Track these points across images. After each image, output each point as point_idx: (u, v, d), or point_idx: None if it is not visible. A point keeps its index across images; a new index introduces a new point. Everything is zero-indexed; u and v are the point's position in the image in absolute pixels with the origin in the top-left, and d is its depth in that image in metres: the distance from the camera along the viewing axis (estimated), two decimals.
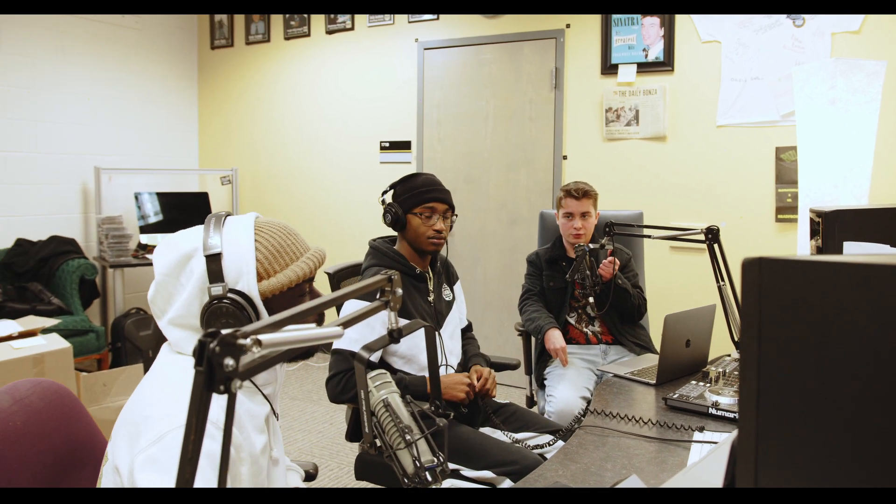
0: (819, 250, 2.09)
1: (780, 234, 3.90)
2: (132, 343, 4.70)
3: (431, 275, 2.45)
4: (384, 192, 2.48)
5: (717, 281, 2.49)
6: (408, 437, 1.17)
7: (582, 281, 2.83)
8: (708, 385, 2.13)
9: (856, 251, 1.89)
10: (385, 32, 5.12)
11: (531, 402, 3.11)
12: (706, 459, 1.06)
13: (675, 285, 4.12)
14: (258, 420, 1.25)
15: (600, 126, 4.36)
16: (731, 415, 1.93)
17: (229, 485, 1.12)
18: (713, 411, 1.96)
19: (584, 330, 3.08)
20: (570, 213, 2.97)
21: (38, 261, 4.64)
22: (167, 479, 1.05)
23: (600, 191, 4.34)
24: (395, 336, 1.13)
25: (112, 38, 5.37)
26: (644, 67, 4.19)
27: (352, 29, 5.25)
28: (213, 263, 1.19)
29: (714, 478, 0.98)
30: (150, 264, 4.75)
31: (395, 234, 2.49)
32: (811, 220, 2.19)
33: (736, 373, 2.23)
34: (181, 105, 5.98)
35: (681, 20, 4.07)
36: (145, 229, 5.18)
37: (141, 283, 5.66)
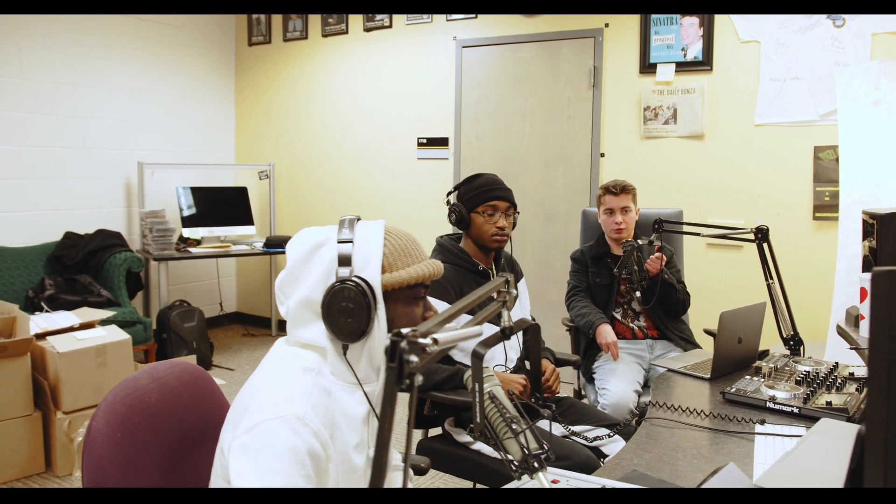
0: (872, 251, 2.16)
1: (818, 232, 3.95)
2: (177, 334, 4.83)
3: (495, 271, 2.55)
4: (449, 193, 2.59)
5: (767, 279, 2.57)
6: (514, 426, 1.26)
7: (629, 276, 2.92)
8: (763, 380, 2.21)
9: None
10: (423, 30, 5.20)
11: (579, 395, 3.20)
12: (800, 449, 1.14)
13: (710, 282, 4.19)
14: (354, 419, 1.31)
15: (638, 124, 4.43)
16: (789, 408, 2.01)
17: (317, 482, 1.20)
18: (770, 405, 2.04)
19: (631, 325, 3.17)
20: (610, 210, 3.08)
21: (87, 253, 4.78)
22: (253, 464, 1.15)
23: (637, 189, 4.42)
24: (507, 333, 1.23)
25: (154, 36, 5.49)
26: (682, 67, 4.25)
27: (390, 27, 5.34)
28: (345, 250, 1.29)
29: (813, 466, 1.06)
30: (193, 257, 4.92)
31: (461, 231, 2.59)
32: (864, 221, 2.26)
33: (787, 368, 2.32)
34: (219, 101, 6.10)
35: (720, 20, 4.13)
36: (187, 223, 5.30)
37: (184, 275, 5.80)
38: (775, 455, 1.67)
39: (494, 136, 4.95)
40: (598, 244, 3.23)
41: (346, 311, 1.26)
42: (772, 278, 2.56)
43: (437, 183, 5.19)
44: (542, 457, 1.24)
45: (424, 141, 5.23)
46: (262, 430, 1.16)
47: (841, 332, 2.18)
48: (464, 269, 2.47)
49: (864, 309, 2.02)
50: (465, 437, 2.36)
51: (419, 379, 0.78)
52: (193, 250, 5.13)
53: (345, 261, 1.29)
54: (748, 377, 2.27)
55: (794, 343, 2.54)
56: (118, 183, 5.31)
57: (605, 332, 2.95)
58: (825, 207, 3.93)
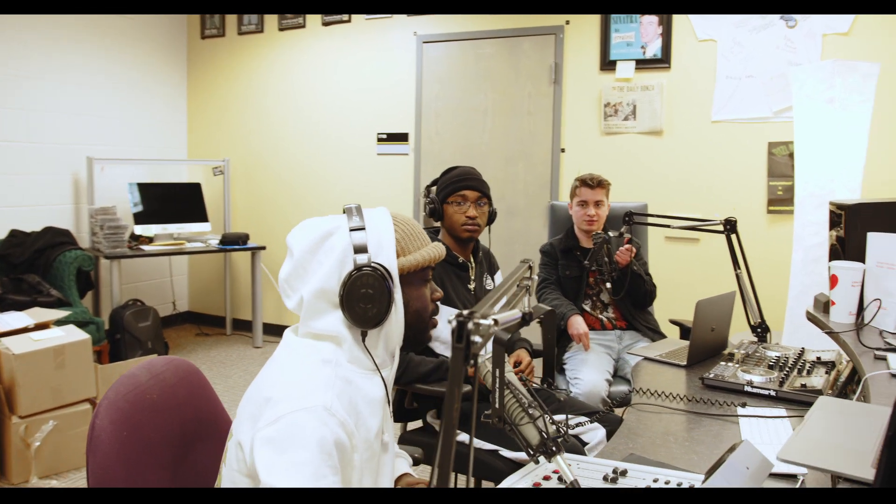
0: (840, 240, 2.25)
1: (772, 224, 4.09)
2: (131, 334, 4.69)
3: (473, 264, 2.56)
4: (428, 187, 2.59)
5: (735, 269, 2.65)
6: (531, 411, 1.27)
7: (600, 268, 2.97)
8: (738, 366, 2.28)
9: (880, 241, 2.05)
10: (383, 25, 5.17)
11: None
12: (809, 425, 1.18)
13: (669, 274, 4.29)
14: (375, 404, 1.31)
15: (598, 120, 4.50)
16: (766, 392, 2.08)
17: (342, 473, 1.19)
18: (748, 389, 2.10)
19: (600, 316, 3.22)
20: (584, 202, 3.13)
21: (34, 252, 4.59)
22: (281, 457, 1.13)
23: None
24: (527, 318, 1.23)
25: (103, 27, 5.31)
26: (642, 64, 4.34)
27: (348, 21, 5.29)
28: (359, 237, 1.28)
29: (827, 439, 1.10)
30: (147, 255, 4.77)
31: (438, 226, 2.60)
32: (831, 212, 2.36)
33: (757, 354, 2.40)
34: (171, 95, 5.94)
35: (678, 19, 4.23)
36: (139, 220, 5.15)
37: (137, 273, 5.64)
38: (761, 435, 1.73)
39: (455, 132, 4.96)
40: (567, 237, 3.27)
41: (366, 297, 1.25)
42: (739, 268, 2.64)
43: (397, 178, 5.17)
44: (560, 440, 1.25)
45: (384, 136, 5.20)
46: (289, 422, 1.14)
47: (812, 319, 2.26)
48: (443, 261, 2.47)
49: (835, 295, 2.11)
50: None
51: (483, 358, 0.78)
52: (147, 248, 4.98)
53: (360, 248, 1.27)
54: (723, 363, 2.34)
55: (761, 330, 2.63)
56: (66, 179, 5.12)
57: (577, 324, 2.99)
58: (778, 201, 4.07)
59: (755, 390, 2.10)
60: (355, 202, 1.40)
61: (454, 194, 2.48)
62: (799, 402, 2.00)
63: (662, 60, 4.28)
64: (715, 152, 4.21)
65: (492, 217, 2.62)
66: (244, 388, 4.61)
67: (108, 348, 4.61)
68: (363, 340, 1.29)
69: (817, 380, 2.08)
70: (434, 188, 2.59)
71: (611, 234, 2.82)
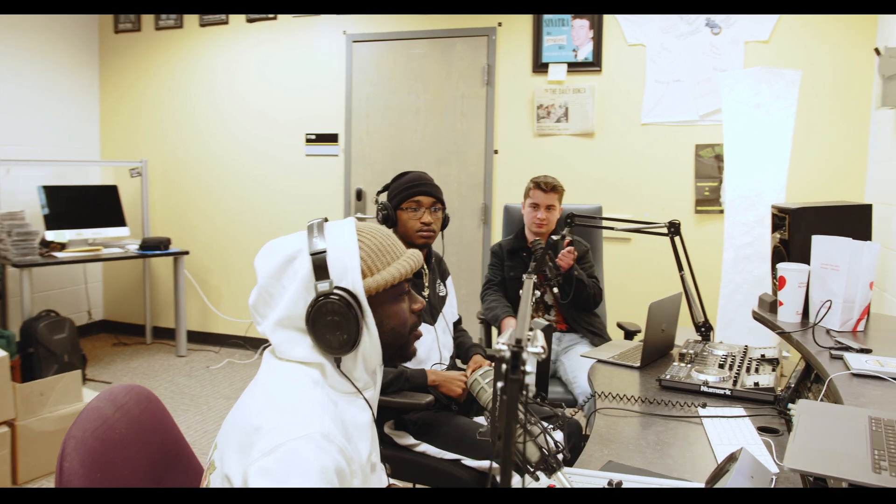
0: (783, 242, 2.34)
1: (700, 224, 4.24)
2: (46, 348, 4.39)
3: (427, 270, 2.52)
4: (379, 193, 2.54)
5: (679, 270, 2.72)
6: (530, 427, 1.24)
7: (544, 273, 2.98)
8: (690, 366, 2.33)
9: (824, 244, 2.14)
10: (311, 23, 5.04)
11: None
12: (802, 430, 1.20)
13: (606, 274, 4.38)
14: (363, 429, 1.27)
15: (531, 122, 4.54)
16: (722, 391, 2.13)
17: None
18: (704, 389, 2.15)
19: (539, 319, 3.24)
20: (536, 204, 3.14)
21: None
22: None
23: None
24: (553, 328, 1.21)
25: (5, 20, 4.95)
26: (574, 67, 4.40)
27: (274, 18, 5.13)
28: (319, 261, 1.21)
29: (824, 445, 1.12)
30: (61, 262, 4.48)
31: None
32: (774, 215, 2.45)
33: (705, 352, 2.46)
34: (81, 93, 5.60)
35: (608, 24, 4.32)
36: (50, 225, 4.83)
37: (50, 282, 5.30)
38: (727, 436, 1.78)
39: (386, 133, 4.89)
40: (516, 238, 3.28)
41: (332, 325, 1.20)
42: (683, 269, 2.71)
43: (327, 180, 5.07)
44: (560, 457, 1.24)
45: (313, 137, 5.08)
46: (286, 451, 1.07)
47: (759, 319, 2.34)
48: None
49: (783, 296, 2.18)
50: (407, 440, 2.31)
51: (533, 389, 0.75)
52: (60, 255, 4.68)
53: (322, 273, 1.21)
54: (675, 364, 2.39)
55: (705, 329, 2.71)
56: None
57: (509, 326, 3.01)
58: (706, 202, 4.22)
59: (711, 390, 2.15)
60: (320, 216, 1.34)
61: (408, 200, 2.43)
62: (753, 400, 2.06)
63: (594, 64, 4.36)
64: (645, 154, 4.32)
65: (445, 222, 2.59)
66: (171, 400, 4.37)
67: (19, 363, 4.30)
68: (339, 366, 1.24)
69: (766, 378, 2.15)
70: (384, 194, 2.54)
71: (553, 237, 2.83)
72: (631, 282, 4.36)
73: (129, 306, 5.82)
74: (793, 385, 1.99)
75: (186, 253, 5.19)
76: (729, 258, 3.60)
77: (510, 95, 4.58)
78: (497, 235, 4.68)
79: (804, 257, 2.23)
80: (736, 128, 3.54)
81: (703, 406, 2.01)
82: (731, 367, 2.27)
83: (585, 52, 4.36)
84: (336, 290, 1.20)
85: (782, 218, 2.34)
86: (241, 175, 5.34)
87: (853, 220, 2.28)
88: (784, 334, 2.08)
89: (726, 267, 3.61)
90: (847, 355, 1.72)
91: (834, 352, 1.76)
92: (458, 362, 2.66)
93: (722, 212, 4.17)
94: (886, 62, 3.29)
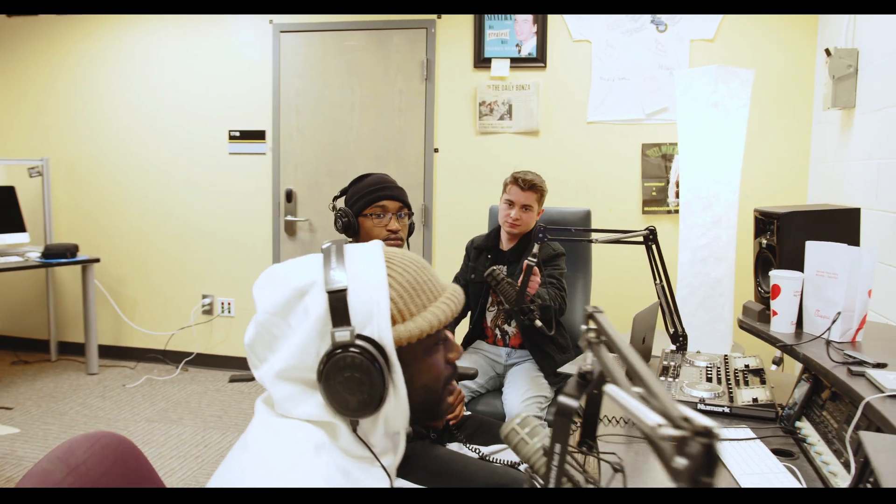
0: (770, 248, 2.23)
1: (647, 225, 4.15)
2: None
3: None
4: (335, 198, 2.28)
5: (655, 279, 2.59)
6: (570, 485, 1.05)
7: (511, 311, 2.66)
8: (678, 380, 2.20)
9: (820, 250, 2.04)
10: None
11: None
12: (886, 473, 1.06)
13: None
14: None
15: (473, 119, 4.36)
16: (720, 409, 2.01)
17: None
18: (701, 407, 2.02)
19: (496, 330, 3.04)
20: (510, 201, 2.92)
21: None
22: None
23: (472, 185, 4.37)
24: (587, 378, 1.01)
25: None
26: (517, 63, 4.24)
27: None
28: (338, 302, 0.96)
29: None
30: None
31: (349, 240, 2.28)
32: (757, 219, 2.34)
33: (686, 364, 2.34)
34: None
35: (553, 19, 4.18)
36: None
37: None
38: (746, 463, 1.64)
39: (319, 130, 4.59)
40: (488, 237, 3.07)
41: (351, 382, 0.95)
42: (659, 279, 2.59)
43: (253, 180, 4.72)
44: None
45: (237, 134, 4.72)
46: None
47: (749, 329, 2.23)
48: None
49: (778, 305, 2.08)
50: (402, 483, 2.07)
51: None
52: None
53: (341, 317, 0.96)
54: (661, 378, 2.26)
55: (682, 339, 2.60)
56: None
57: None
58: (653, 202, 4.15)
59: (708, 408, 2.02)
60: (330, 239, 1.09)
61: (371, 205, 2.19)
62: (753, 417, 1.95)
63: (538, 59, 4.21)
64: (591, 153, 4.21)
65: (411, 229, 2.36)
66: (85, 425, 3.94)
67: None
68: (355, 429, 1.00)
69: (761, 392, 2.05)
70: (341, 200, 2.29)
71: (496, 269, 2.53)
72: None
73: (30, 320, 5.27)
74: (799, 402, 1.88)
75: (97, 261, 4.72)
76: (685, 260, 3.52)
77: (451, 91, 4.38)
78: (441, 238, 4.48)
79: (795, 264, 2.13)
80: (691, 127, 3.46)
81: None
82: (719, 381, 2.16)
83: (529, 48, 4.21)
84: (358, 342, 0.95)
85: (768, 222, 2.24)
86: (159, 175, 4.91)
87: (842, 225, 2.21)
88: (786, 348, 1.97)
89: (682, 269, 3.54)
90: (871, 372, 1.61)
91: (853, 368, 1.65)
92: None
93: (670, 212, 4.12)
94: (837, 63, 3.28)
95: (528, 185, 2.89)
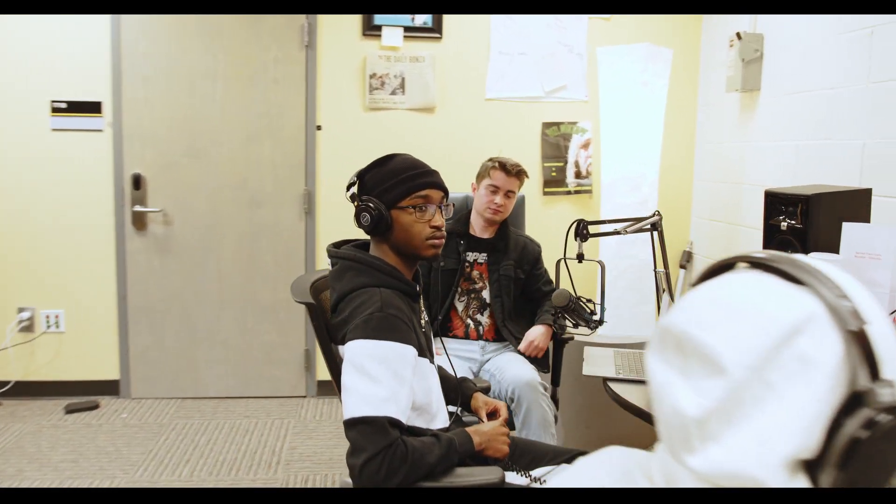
0: (794, 231, 2.18)
1: (547, 206, 4.05)
2: None
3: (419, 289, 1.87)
4: (351, 184, 1.81)
5: (655, 268, 2.47)
6: None
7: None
8: None
9: (856, 231, 2.02)
10: None
11: None
12: None
13: None
14: None
15: (362, 94, 3.92)
16: None
17: None
18: None
19: (468, 320, 2.77)
20: (495, 187, 2.71)
21: None
22: None
23: (361, 165, 3.92)
24: None
25: None
26: (411, 32, 3.88)
27: None
28: (862, 343, 0.65)
29: None
30: None
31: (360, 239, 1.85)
32: (770, 201, 2.28)
33: None
34: None
35: None
36: None
37: None
38: None
39: (173, 102, 3.85)
40: (458, 221, 2.76)
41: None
42: (659, 267, 2.46)
43: (87, 163, 3.85)
44: None
45: (63, 105, 3.79)
46: None
47: None
48: (403, 292, 1.75)
49: None
50: None
51: None
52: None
53: (872, 358, 0.65)
54: None
55: None
56: None
57: None
58: (553, 183, 4.05)
59: None
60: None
61: (411, 195, 1.75)
62: None
63: (433, 30, 3.88)
64: (489, 132, 3.99)
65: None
66: None
67: None
68: None
69: None
70: (363, 189, 1.81)
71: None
72: None
73: None
74: None
75: None
76: (612, 243, 3.47)
77: (336, 61, 3.89)
78: (327, 228, 4.00)
79: (826, 246, 2.10)
80: (615, 106, 3.39)
81: None
82: None
83: (424, 16, 3.86)
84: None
85: (789, 203, 2.18)
86: None
87: (857, 205, 2.22)
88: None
89: (609, 252, 3.48)
90: None
91: None
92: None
93: (570, 193, 4.04)
94: (746, 47, 3.38)
95: (517, 170, 2.73)
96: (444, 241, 1.80)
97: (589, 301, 2.34)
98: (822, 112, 2.96)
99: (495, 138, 3.98)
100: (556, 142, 4.01)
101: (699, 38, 4.00)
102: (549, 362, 2.73)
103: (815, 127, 3.01)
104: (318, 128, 3.93)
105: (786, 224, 2.21)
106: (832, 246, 2.11)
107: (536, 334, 2.66)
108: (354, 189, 1.80)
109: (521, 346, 2.65)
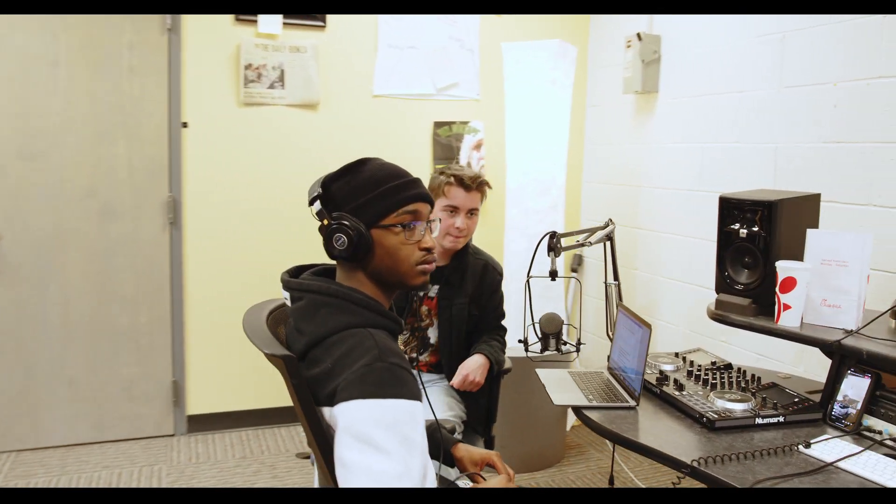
0: (753, 237, 2.11)
1: None
2: None
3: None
4: (312, 199, 1.45)
5: (606, 280, 2.30)
6: None
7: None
8: (710, 391, 1.98)
9: (822, 239, 1.99)
10: None
11: None
12: None
13: None
14: None
15: (235, 87, 3.46)
16: (775, 419, 1.84)
17: None
18: (759, 421, 1.83)
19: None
20: (454, 207, 2.27)
21: None
22: None
23: (236, 170, 3.51)
24: None
25: None
26: (291, 18, 3.47)
27: None
28: None
29: None
30: None
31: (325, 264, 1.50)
32: (725, 207, 2.20)
33: (680, 371, 2.15)
34: None
35: None
36: None
37: None
38: (882, 470, 1.50)
39: (2, 92, 3.16)
40: None
41: None
42: (613, 280, 2.31)
43: None
44: None
45: None
46: None
47: (744, 325, 2.08)
48: (391, 332, 1.42)
49: (790, 299, 1.97)
50: None
51: None
52: None
53: None
54: (676, 393, 1.99)
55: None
56: None
57: None
58: None
59: (765, 421, 1.83)
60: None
61: (398, 211, 1.41)
62: (804, 422, 1.83)
63: (316, 17, 3.50)
64: (378, 131, 3.69)
65: None
66: None
67: None
68: None
69: (787, 394, 1.97)
70: (330, 203, 1.44)
71: None
72: None
73: None
74: (861, 402, 1.79)
75: None
76: (520, 249, 3.29)
77: (204, 49, 3.40)
78: (195, 241, 3.49)
79: (790, 254, 2.05)
80: (522, 104, 3.22)
81: (807, 445, 1.67)
82: (743, 390, 2.02)
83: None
84: None
85: (746, 210, 2.11)
86: None
87: (811, 210, 2.20)
88: (837, 343, 1.85)
89: (517, 260, 3.30)
90: None
91: None
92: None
93: None
94: (646, 48, 3.36)
95: (476, 182, 2.28)
96: (434, 266, 1.49)
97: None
98: (730, 115, 2.98)
99: (384, 138, 3.69)
100: (448, 143, 3.79)
101: (587, 37, 3.96)
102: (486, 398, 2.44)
103: (722, 129, 3.02)
104: (184, 125, 3.41)
105: (745, 231, 2.13)
106: (794, 253, 2.07)
107: (473, 367, 2.29)
108: (318, 204, 1.44)
109: (455, 382, 2.27)
